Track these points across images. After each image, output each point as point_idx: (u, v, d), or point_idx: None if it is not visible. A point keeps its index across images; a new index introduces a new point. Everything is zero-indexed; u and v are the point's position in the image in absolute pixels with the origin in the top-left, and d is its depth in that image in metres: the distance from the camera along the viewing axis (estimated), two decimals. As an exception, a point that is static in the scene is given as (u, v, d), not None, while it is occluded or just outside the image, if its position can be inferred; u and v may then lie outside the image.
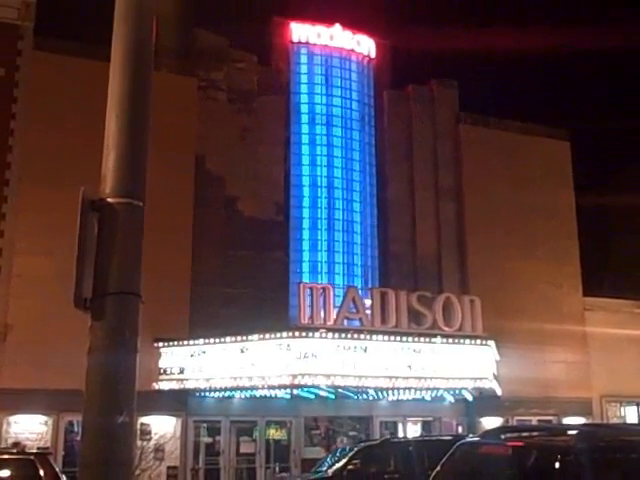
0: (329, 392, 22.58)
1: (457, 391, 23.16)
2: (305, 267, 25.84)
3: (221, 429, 22.99)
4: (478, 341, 22.45)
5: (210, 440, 22.96)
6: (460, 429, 25.17)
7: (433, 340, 21.96)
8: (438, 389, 22.60)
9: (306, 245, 26.14)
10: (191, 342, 21.84)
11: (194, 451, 22.60)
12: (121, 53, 5.43)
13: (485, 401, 24.08)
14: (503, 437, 7.72)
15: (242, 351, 20.92)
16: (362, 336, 21.19)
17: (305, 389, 21.98)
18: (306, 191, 26.63)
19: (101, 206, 5.18)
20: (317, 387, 21.48)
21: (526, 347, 25.14)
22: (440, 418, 25.15)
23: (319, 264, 25.97)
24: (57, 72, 22.29)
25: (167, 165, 21.42)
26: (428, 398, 24.12)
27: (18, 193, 21.33)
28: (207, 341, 21.60)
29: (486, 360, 22.44)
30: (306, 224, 26.33)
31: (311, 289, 21.70)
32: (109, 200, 5.20)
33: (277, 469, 23.06)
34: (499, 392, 23.13)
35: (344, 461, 17.71)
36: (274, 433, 23.69)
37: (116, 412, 4.91)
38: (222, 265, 24.02)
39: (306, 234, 26.24)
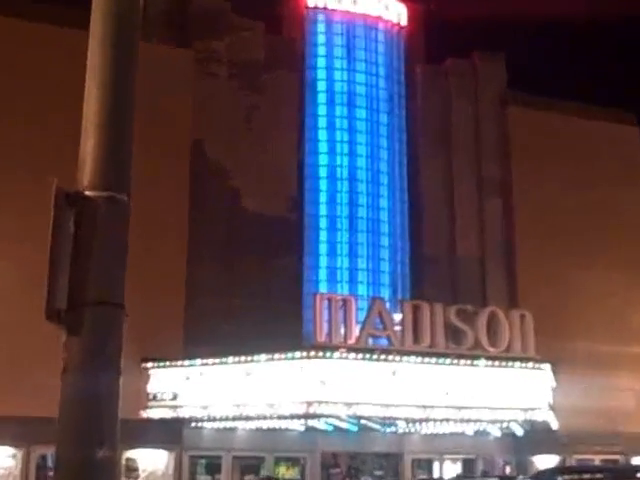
0: (350, 423, 22.60)
1: (504, 424, 23.12)
2: (322, 274, 25.94)
3: (222, 466, 23.08)
4: (530, 364, 22.38)
5: (209, 479, 23.04)
6: (508, 469, 25.09)
7: (475, 362, 21.94)
8: (481, 421, 22.57)
9: (324, 248, 26.22)
10: (186, 362, 21.92)
11: (190, 492, 22.72)
12: (102, 19, 5.45)
13: (538, 436, 23.98)
14: (559, 478, 7.69)
15: (247, 374, 21.08)
16: (390, 357, 21.26)
17: (322, 419, 22.06)
18: (324, 184, 26.74)
19: (78, 200, 5.20)
20: (336, 417, 21.56)
21: (588, 372, 24.86)
22: (484, 456, 25.12)
23: (339, 271, 26.07)
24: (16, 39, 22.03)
25: (157, 153, 21.55)
26: (470, 432, 24.12)
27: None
28: (205, 361, 21.67)
29: (539, 387, 22.38)
30: (324, 223, 26.42)
31: (329, 301, 21.76)
32: (87, 193, 5.22)
33: (288, 515, 23.25)
34: (555, 425, 23.00)
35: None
36: (285, 472, 23.76)
37: (96, 444, 4.93)
38: (223, 271, 24.10)
39: (324, 235, 26.32)
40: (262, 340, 21.77)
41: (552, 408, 22.62)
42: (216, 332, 22.73)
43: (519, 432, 24.04)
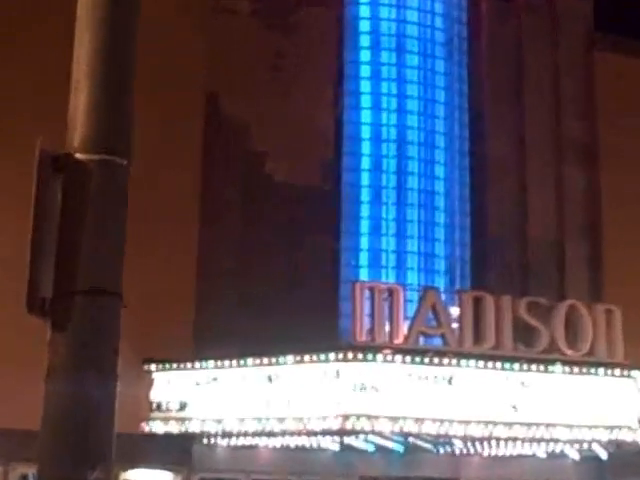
0: (396, 442, 22.65)
1: (585, 445, 23.06)
2: (363, 258, 25.89)
3: (239, 491, 23.32)
4: (617, 371, 22.28)
5: (223, 507, 23.32)
6: None
7: (551, 369, 21.90)
8: (556, 441, 22.51)
9: (365, 226, 26.17)
10: (197, 365, 21.99)
11: (200, 522, 22.97)
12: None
13: (627, 460, 23.85)
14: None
15: (270, 379, 21.13)
16: (445, 361, 21.27)
17: (362, 437, 22.05)
18: (366, 147, 26.71)
19: (67, 165, 5.19)
20: (379, 434, 21.54)
21: None
22: None
23: (384, 254, 26.01)
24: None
25: (164, 108, 21.63)
26: (542, 454, 24.04)
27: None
28: (220, 364, 21.74)
29: (629, 400, 22.30)
30: (366, 195, 26.38)
31: (372, 291, 21.73)
32: (78, 156, 5.22)
33: None
34: None
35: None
36: None
37: (86, 464, 4.96)
38: (242, 254, 24.13)
39: (365, 210, 26.29)
40: (289, 338, 21.74)
41: None
42: (233, 328, 22.71)
43: (603, 455, 23.94)
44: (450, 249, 26.85)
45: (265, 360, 21.25)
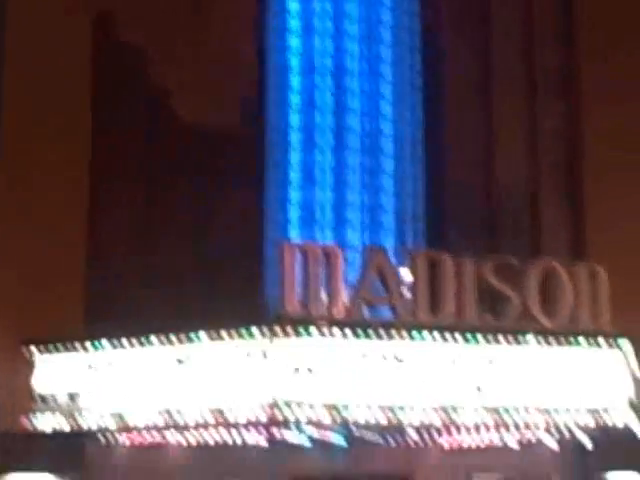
0: (337, 434, 22.65)
1: (565, 431, 23.04)
2: (294, 214, 25.86)
3: (146, 502, 23.24)
4: (602, 342, 22.43)
5: (126, 520, 23.16)
6: None
7: (523, 341, 22.02)
8: (531, 428, 22.55)
9: (295, 176, 26.15)
10: (88, 346, 21.84)
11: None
12: None
13: (615, 449, 23.87)
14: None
15: (181, 362, 21.16)
16: (395, 334, 21.32)
17: (295, 429, 22.00)
18: (295, 79, 26.62)
19: None
20: (316, 425, 21.48)
21: None
22: (534, 477, 24.95)
23: (318, 208, 26.03)
24: None
25: (47, 26, 21.34)
26: (513, 443, 24.07)
27: None
28: (117, 344, 21.64)
29: (617, 376, 22.44)
30: (295, 139, 26.34)
31: (304, 253, 21.74)
32: None
33: None
34: (639, 432, 22.85)
35: None
36: None
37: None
38: (143, 210, 24.35)
39: (295, 156, 26.26)
40: (203, 312, 22.13)
41: (635, 407, 22.56)
42: (132, 301, 22.96)
43: (587, 443, 23.94)
44: (400, 201, 26.77)
45: (173, 338, 21.17)
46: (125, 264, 23.36)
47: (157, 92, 24.90)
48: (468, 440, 23.79)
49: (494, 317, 22.32)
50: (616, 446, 23.75)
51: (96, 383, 21.70)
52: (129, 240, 23.74)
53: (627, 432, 22.73)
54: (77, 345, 21.90)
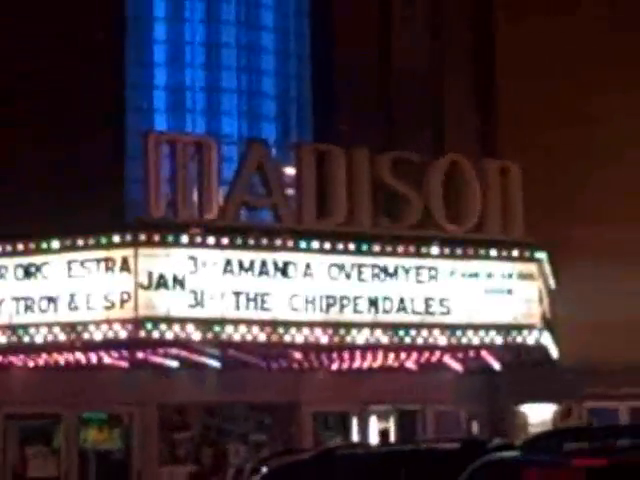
0: (210, 356, 22.29)
1: (471, 352, 22.93)
2: (158, 99, 25.34)
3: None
4: (515, 252, 22.06)
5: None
6: (476, 427, 25.87)
7: (424, 250, 21.62)
8: (433, 348, 22.24)
9: (160, 52, 25.51)
10: None
11: None
12: None
13: (527, 372, 24.42)
14: (567, 449, 7.88)
15: (29, 273, 20.28)
16: (278, 242, 20.76)
17: (160, 350, 21.61)
18: None
19: None
20: (185, 345, 20.96)
21: (607, 268, 25.21)
22: (435, 406, 25.36)
23: (189, 93, 25.56)
24: None
25: None
26: (413, 366, 23.98)
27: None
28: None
29: (530, 291, 22.09)
30: (160, 8, 25.56)
31: (172, 145, 21.00)
32: None
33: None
34: (555, 354, 23.49)
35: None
36: (96, 437, 23.84)
37: None
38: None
39: (160, 30, 25.56)
40: (55, 216, 21.53)
41: (550, 325, 22.86)
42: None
43: (495, 366, 24.16)
44: (282, 84, 26.38)
45: (20, 246, 20.27)
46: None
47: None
48: (360, 362, 23.73)
49: (391, 222, 22.06)
50: (528, 370, 24.42)
51: None
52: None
53: (541, 354, 22.99)
54: None
